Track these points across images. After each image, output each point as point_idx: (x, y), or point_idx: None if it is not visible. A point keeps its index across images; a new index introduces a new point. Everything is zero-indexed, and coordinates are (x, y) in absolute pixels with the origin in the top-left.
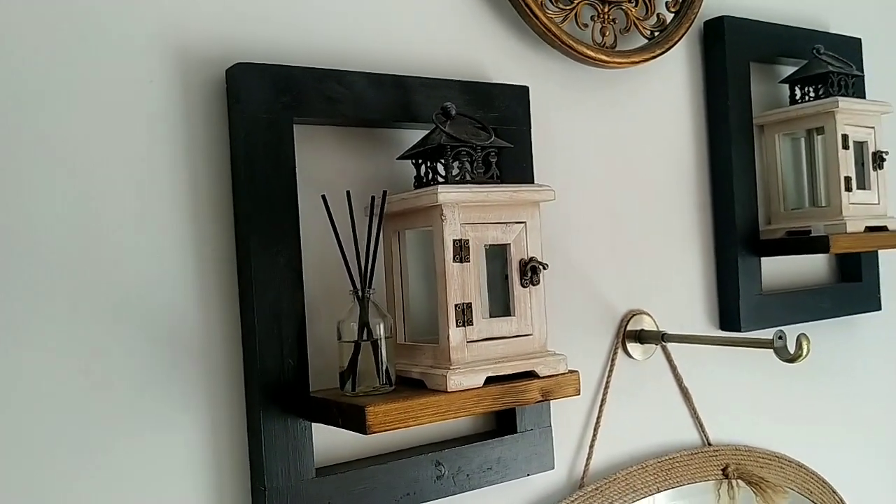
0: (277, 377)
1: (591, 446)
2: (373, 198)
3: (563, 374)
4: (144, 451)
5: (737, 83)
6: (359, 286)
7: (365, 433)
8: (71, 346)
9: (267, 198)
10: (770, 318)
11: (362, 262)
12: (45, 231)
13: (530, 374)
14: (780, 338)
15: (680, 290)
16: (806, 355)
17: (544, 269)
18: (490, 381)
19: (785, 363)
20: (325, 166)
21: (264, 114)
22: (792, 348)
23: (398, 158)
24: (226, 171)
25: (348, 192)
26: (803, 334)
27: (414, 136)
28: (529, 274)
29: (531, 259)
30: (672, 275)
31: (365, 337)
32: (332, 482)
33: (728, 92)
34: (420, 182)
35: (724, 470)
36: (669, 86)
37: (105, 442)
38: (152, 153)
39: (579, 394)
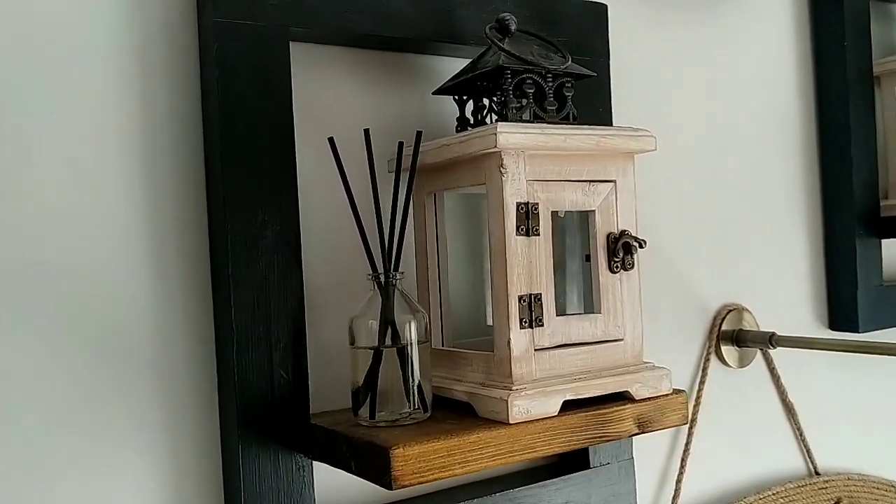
0: (264, 397)
1: (679, 481)
2: (400, 144)
3: (667, 395)
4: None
5: (855, 22)
6: (381, 269)
7: (389, 487)
8: None
9: (251, 142)
10: (893, 316)
11: (386, 235)
12: None
13: (620, 397)
14: None
15: (780, 279)
16: None
17: (641, 247)
18: (567, 406)
19: None
20: (330, 102)
21: (247, 19)
22: None
23: (435, 93)
24: (194, 102)
25: (366, 131)
26: None
27: (455, 65)
28: (621, 254)
29: (622, 233)
30: (772, 261)
31: (389, 342)
32: None
33: (845, 33)
34: (465, 124)
35: None
36: (771, 22)
37: (28, 489)
38: (88, 74)
39: (687, 422)
